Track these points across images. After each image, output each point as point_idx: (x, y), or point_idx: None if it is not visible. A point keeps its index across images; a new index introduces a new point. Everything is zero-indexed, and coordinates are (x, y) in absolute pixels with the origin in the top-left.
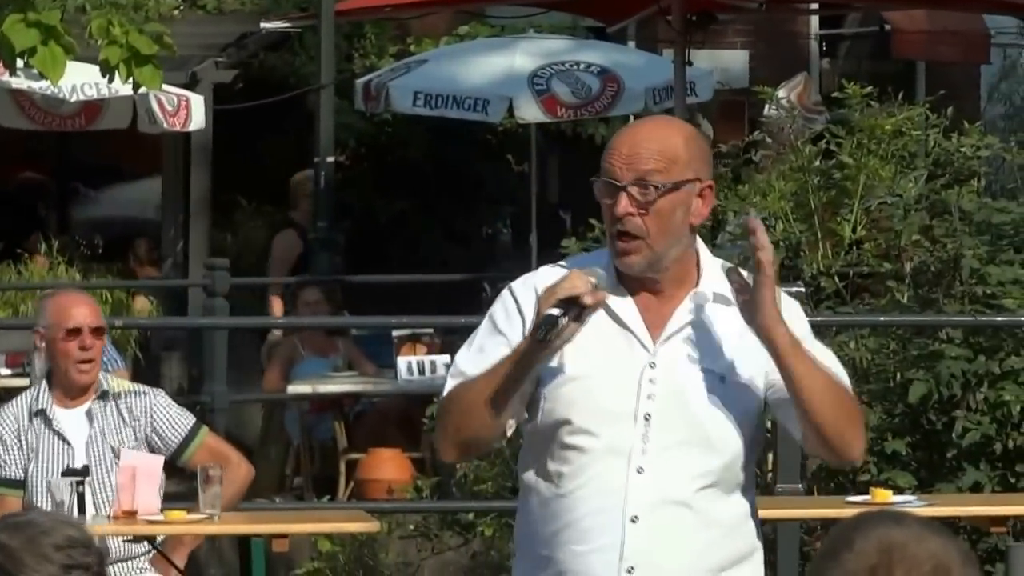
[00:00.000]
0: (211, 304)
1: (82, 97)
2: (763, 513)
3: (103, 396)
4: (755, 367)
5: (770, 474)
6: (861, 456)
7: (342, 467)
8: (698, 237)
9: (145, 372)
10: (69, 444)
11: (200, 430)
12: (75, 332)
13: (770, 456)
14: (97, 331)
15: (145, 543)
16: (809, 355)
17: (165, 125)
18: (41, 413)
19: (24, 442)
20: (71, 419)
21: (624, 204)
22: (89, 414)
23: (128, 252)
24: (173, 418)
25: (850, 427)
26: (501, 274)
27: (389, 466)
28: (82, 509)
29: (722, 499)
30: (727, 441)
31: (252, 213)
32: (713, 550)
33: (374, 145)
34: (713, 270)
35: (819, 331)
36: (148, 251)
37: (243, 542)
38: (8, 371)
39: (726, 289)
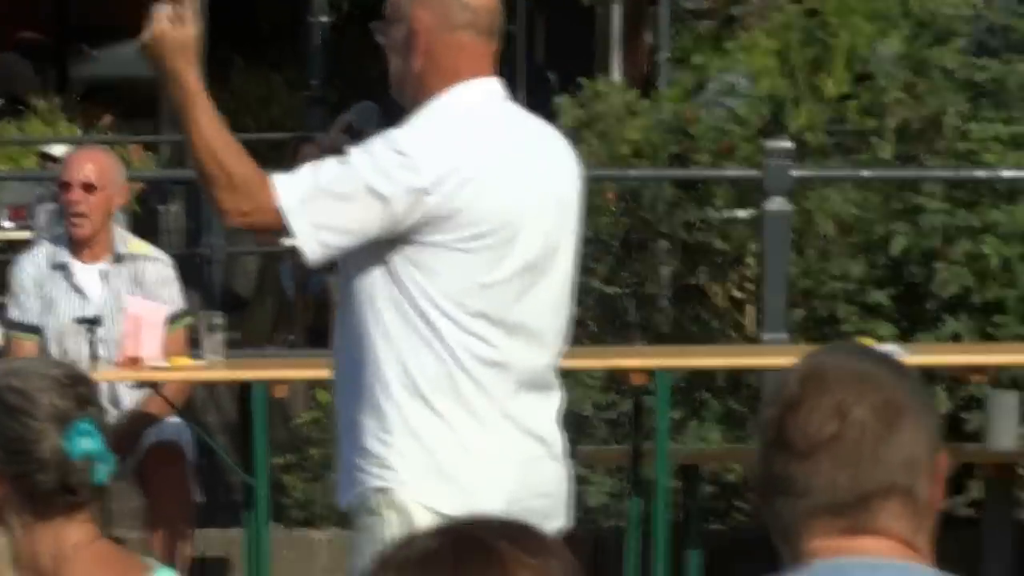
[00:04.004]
0: None
1: None
2: (750, 362)
3: (118, 259)
4: None
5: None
6: (228, 220)
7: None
8: None
9: (143, 224)
10: (85, 297)
11: (185, 318)
12: (66, 186)
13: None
14: (88, 187)
15: (148, 388)
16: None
17: None
18: (61, 267)
19: (43, 291)
20: (88, 275)
21: None
22: (103, 274)
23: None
24: (173, 294)
25: (215, 189)
26: None
27: None
28: (94, 355)
29: None
30: None
31: (248, 71)
32: None
33: (366, 5)
34: None
35: (806, 184)
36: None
37: (243, 390)
38: (11, 224)
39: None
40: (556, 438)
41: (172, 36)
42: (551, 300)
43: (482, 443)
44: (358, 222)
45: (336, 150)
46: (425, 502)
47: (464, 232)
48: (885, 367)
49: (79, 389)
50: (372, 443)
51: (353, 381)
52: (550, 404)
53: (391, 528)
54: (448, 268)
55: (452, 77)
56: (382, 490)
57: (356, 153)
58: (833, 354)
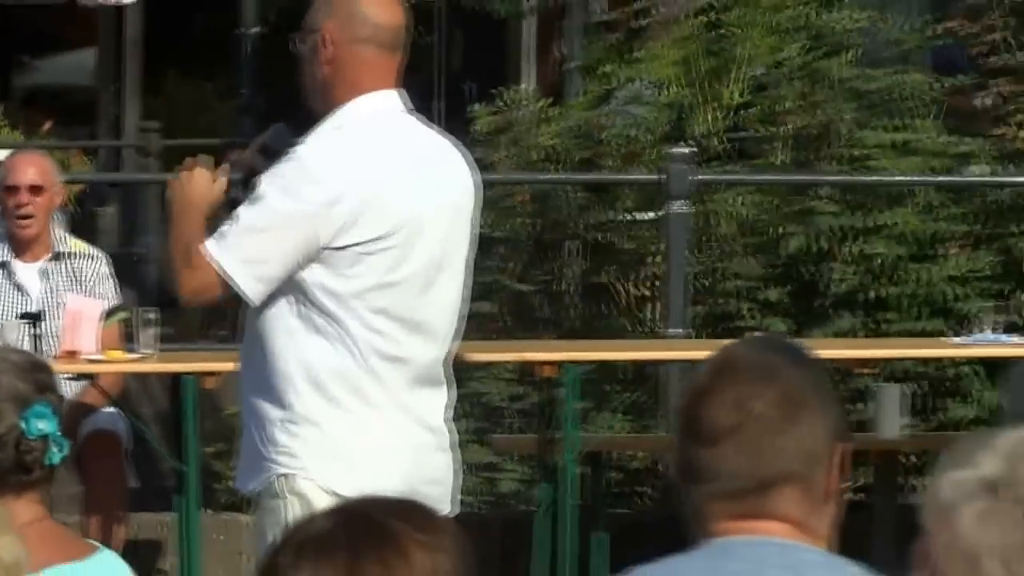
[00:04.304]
0: (145, 163)
1: None
2: (653, 355)
3: (56, 257)
4: None
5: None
6: (184, 301)
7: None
8: None
9: (82, 225)
10: (26, 294)
11: (120, 313)
12: (13, 189)
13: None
14: (34, 189)
15: (85, 380)
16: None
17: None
18: (2, 265)
19: None
20: (28, 273)
21: None
22: (43, 272)
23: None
24: (109, 290)
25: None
26: None
27: None
28: (34, 349)
29: None
30: None
31: (182, 80)
32: None
33: (295, 18)
34: None
35: (707, 188)
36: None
37: (175, 381)
38: None
39: None
40: (445, 430)
41: (189, 192)
42: (447, 300)
43: (379, 433)
44: (282, 249)
45: (251, 168)
46: (326, 486)
47: (366, 236)
48: (792, 361)
49: (39, 375)
50: (277, 433)
51: (259, 375)
52: (441, 398)
53: (294, 511)
54: (352, 269)
55: (355, 88)
56: (286, 476)
57: (265, 182)
58: (745, 347)
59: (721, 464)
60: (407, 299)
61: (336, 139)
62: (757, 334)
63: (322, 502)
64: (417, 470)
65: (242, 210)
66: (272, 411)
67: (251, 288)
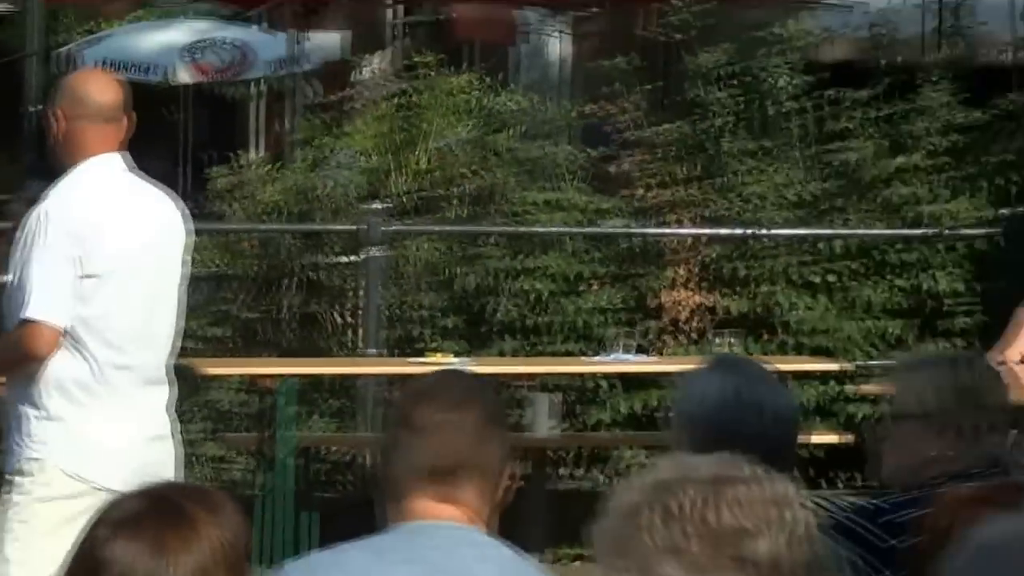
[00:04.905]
0: None
1: None
2: (354, 370)
3: None
4: None
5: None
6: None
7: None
8: None
9: None
10: None
11: None
12: None
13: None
14: None
15: None
16: None
17: None
18: None
19: None
20: None
21: None
22: None
23: None
24: None
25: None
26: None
27: None
28: None
29: None
30: None
31: None
32: None
33: None
34: None
35: (398, 236)
36: None
37: None
38: None
39: None
40: (168, 420)
41: None
42: (164, 320)
43: (116, 426)
44: (65, 283)
45: (18, 218)
46: (68, 470)
47: (96, 270)
48: (482, 386)
49: None
50: (31, 426)
51: (20, 381)
52: (164, 395)
53: (40, 489)
54: (90, 297)
55: (83, 153)
56: (36, 459)
57: (33, 235)
58: (451, 371)
59: (428, 451)
60: (133, 320)
61: (70, 194)
62: (454, 367)
63: (63, 482)
64: (146, 459)
65: (29, 270)
66: (29, 410)
67: (61, 320)
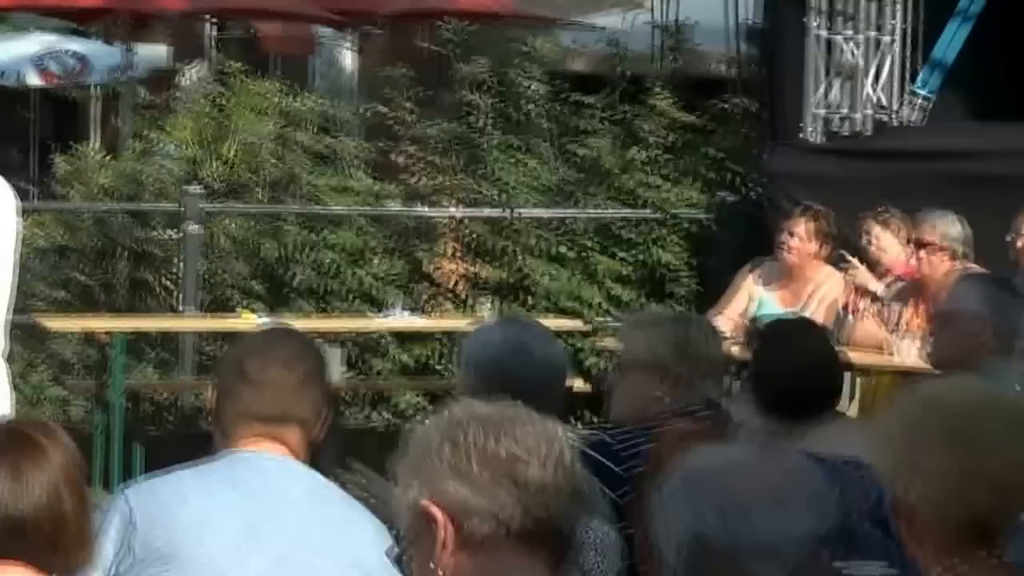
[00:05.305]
0: None
1: None
2: (174, 326)
3: None
4: None
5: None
6: None
7: None
8: None
9: None
10: None
11: None
12: None
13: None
14: None
15: None
16: None
17: None
18: None
19: None
20: None
21: None
22: None
23: None
24: None
25: None
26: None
27: None
28: None
29: None
30: None
31: None
32: None
33: None
34: None
35: (212, 215)
36: None
37: None
38: None
39: None
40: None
41: None
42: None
43: None
44: None
45: None
46: None
47: None
48: (310, 344)
49: None
50: None
51: None
52: None
53: None
54: None
55: None
56: None
57: None
58: (283, 329)
59: (259, 400)
60: None
61: None
62: (277, 324)
63: None
64: None
65: None
66: None
67: None
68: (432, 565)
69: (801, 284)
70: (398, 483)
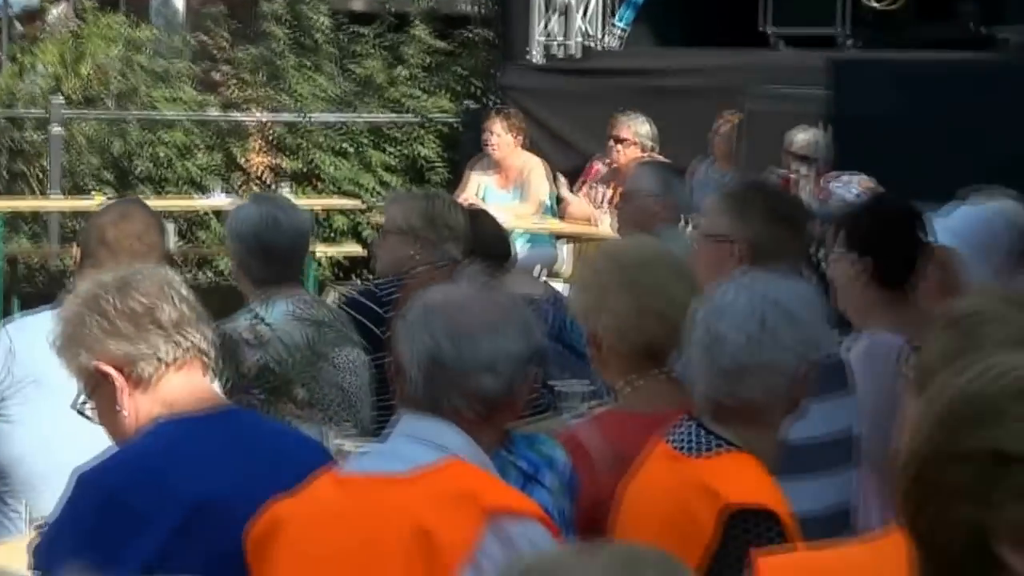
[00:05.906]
0: None
1: None
2: (44, 205)
3: None
4: None
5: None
6: None
7: None
8: None
9: None
10: None
11: None
12: None
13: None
14: None
15: None
16: None
17: None
18: None
19: None
20: None
21: None
22: None
23: None
24: None
25: None
26: None
27: None
28: None
29: None
30: None
31: None
32: None
33: None
34: None
35: (72, 120)
36: None
37: None
38: None
39: None
40: None
41: None
42: None
43: None
44: None
45: None
46: None
47: None
48: (154, 214)
49: None
50: None
51: None
52: None
53: None
54: None
55: None
56: None
57: None
58: (136, 201)
59: (115, 260)
60: None
61: None
62: (131, 199)
63: None
64: None
65: None
66: None
67: None
68: (118, 408)
69: (511, 170)
70: (65, 355)
